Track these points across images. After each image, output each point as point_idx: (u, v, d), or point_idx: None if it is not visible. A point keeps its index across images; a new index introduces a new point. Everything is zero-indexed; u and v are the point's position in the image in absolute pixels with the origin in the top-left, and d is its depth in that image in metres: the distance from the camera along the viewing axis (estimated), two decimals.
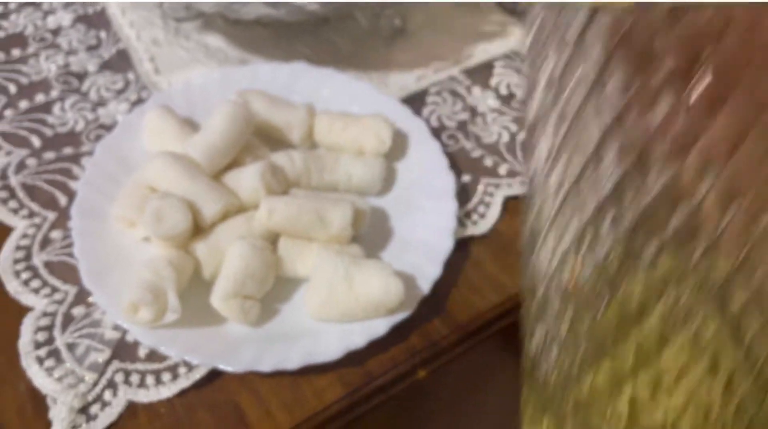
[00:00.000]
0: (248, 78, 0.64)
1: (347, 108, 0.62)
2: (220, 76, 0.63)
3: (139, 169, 0.57)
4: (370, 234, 0.56)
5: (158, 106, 0.59)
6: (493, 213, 0.59)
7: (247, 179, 0.54)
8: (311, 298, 0.50)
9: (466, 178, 0.62)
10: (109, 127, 0.63)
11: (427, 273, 0.52)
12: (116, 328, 0.51)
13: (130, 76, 0.68)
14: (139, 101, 0.66)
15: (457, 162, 0.62)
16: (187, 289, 0.51)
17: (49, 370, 0.49)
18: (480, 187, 0.61)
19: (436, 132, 0.64)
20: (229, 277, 0.49)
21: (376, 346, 0.50)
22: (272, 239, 0.53)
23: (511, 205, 0.60)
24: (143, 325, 0.48)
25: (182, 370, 0.49)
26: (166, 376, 0.49)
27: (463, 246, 0.57)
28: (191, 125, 0.61)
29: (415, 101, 0.67)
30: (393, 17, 0.72)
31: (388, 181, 0.59)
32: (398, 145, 0.60)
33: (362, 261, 0.51)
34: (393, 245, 0.56)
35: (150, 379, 0.49)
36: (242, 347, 0.49)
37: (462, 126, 0.66)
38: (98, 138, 0.63)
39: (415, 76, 0.70)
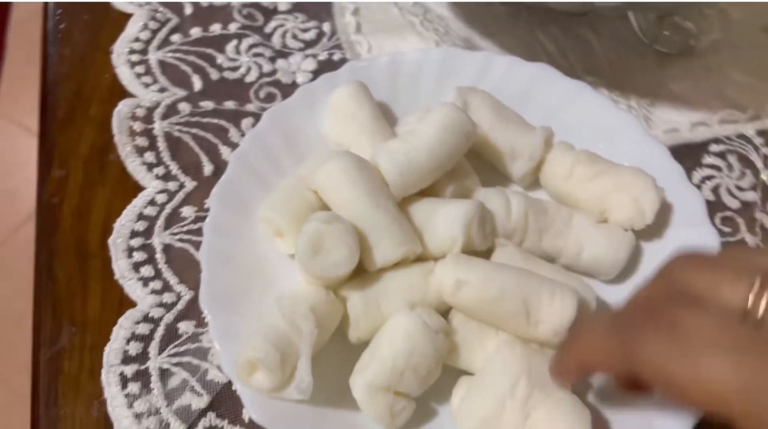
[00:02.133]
0: (474, 70, 0.47)
1: (591, 141, 0.44)
2: (439, 57, 0.47)
3: (307, 159, 0.43)
4: None
5: (353, 81, 0.44)
6: None
7: (444, 223, 0.38)
8: (469, 411, 0.34)
9: None
10: (284, 88, 0.50)
11: None
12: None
13: (325, 27, 0.54)
14: (329, 63, 0.51)
15: None
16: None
17: (130, 399, 0.37)
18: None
19: (710, 209, 0.45)
20: (385, 363, 0.34)
21: None
22: (445, 309, 0.38)
23: None
24: (255, 392, 0.35)
25: None
26: None
27: None
28: (388, 116, 0.46)
29: (685, 156, 0.48)
30: (683, 27, 0.52)
31: (628, 267, 0.41)
32: (656, 217, 0.42)
33: (560, 393, 0.34)
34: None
35: None
36: None
37: (747, 210, 0.46)
38: (269, 98, 0.49)
39: (691, 119, 0.50)
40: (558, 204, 0.42)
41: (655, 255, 0.42)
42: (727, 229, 0.45)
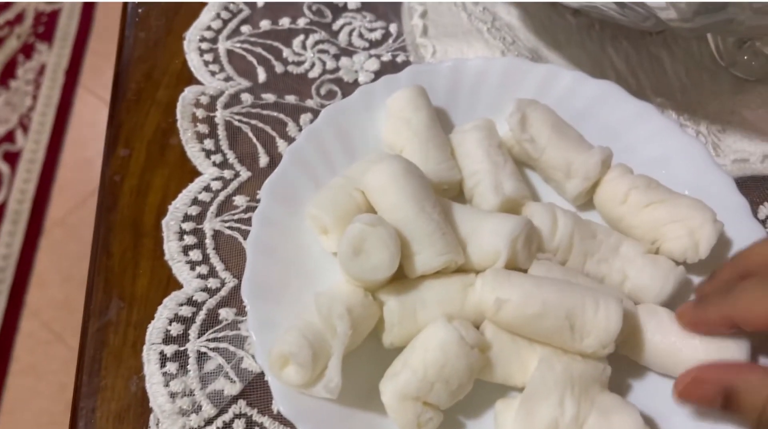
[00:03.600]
0: (537, 82, 0.46)
1: (652, 166, 0.43)
2: (502, 66, 0.47)
3: (360, 159, 0.43)
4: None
5: (412, 86, 0.44)
6: None
7: (490, 236, 0.37)
8: None
9: None
10: (346, 87, 0.50)
11: None
12: None
13: (392, 27, 0.54)
14: (392, 64, 0.51)
15: None
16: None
17: (167, 377, 0.38)
18: None
19: None
20: (417, 372, 0.34)
21: None
22: (482, 322, 0.38)
23: None
24: (286, 385, 0.35)
25: None
26: None
27: None
28: (446, 123, 0.46)
29: (753, 189, 0.46)
30: (763, 52, 0.50)
31: (676, 301, 0.40)
32: (714, 251, 0.40)
33: (602, 396, 0.34)
34: (654, 381, 0.38)
35: None
36: None
37: None
38: (329, 95, 0.50)
39: (764, 150, 0.48)
40: (609, 229, 0.41)
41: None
42: None
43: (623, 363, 0.38)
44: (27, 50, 1.68)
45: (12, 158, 1.52)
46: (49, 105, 1.62)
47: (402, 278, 0.38)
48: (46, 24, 1.73)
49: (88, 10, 1.75)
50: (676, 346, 0.36)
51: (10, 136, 1.55)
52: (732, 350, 0.35)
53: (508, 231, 0.37)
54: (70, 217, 1.43)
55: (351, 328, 0.35)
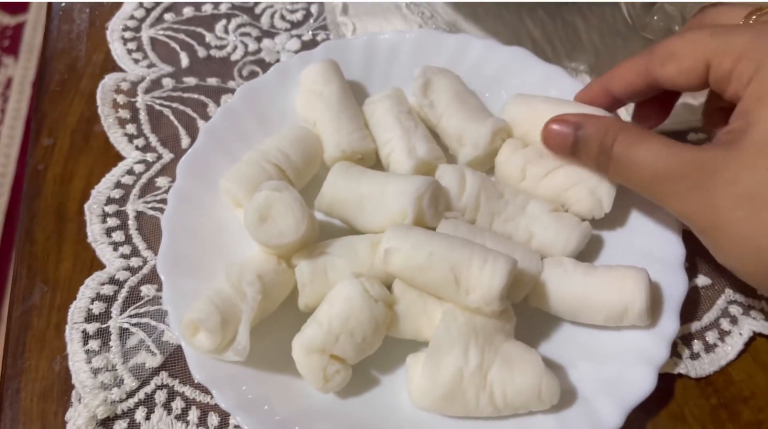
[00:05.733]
0: (450, 52, 0.47)
1: None
2: (415, 38, 0.48)
3: (275, 131, 0.44)
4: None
5: (323, 60, 0.45)
6: (728, 349, 0.39)
7: (395, 197, 0.38)
8: (421, 382, 0.35)
9: (702, 280, 0.42)
10: (267, 67, 0.51)
11: (604, 416, 0.35)
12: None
13: (313, 8, 0.54)
14: (313, 43, 0.52)
15: (695, 254, 0.42)
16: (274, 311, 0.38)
17: (90, 355, 0.39)
18: (720, 302, 0.41)
19: None
20: (322, 325, 0.35)
21: None
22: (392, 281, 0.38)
23: (763, 345, 0.40)
24: (197, 351, 0.36)
25: (234, 421, 0.37)
26: (213, 419, 0.38)
27: (666, 384, 0.38)
28: (361, 95, 0.47)
29: None
30: (670, 13, 0.51)
31: (589, 255, 0.41)
32: (619, 203, 0.41)
33: (506, 345, 0.35)
34: (559, 334, 0.39)
35: (194, 414, 0.38)
36: (313, 421, 0.35)
37: None
38: (252, 76, 0.51)
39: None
40: (517, 190, 0.42)
41: (614, 240, 0.42)
42: None
43: (537, 314, 0.39)
44: None
45: None
46: (17, 118, 1.61)
47: (315, 242, 0.39)
48: (11, 37, 1.72)
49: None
50: (580, 291, 0.37)
51: None
52: (631, 288, 0.36)
53: (413, 190, 0.38)
54: None
55: (260, 293, 0.36)
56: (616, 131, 0.37)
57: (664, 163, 0.34)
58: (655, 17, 0.52)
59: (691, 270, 0.42)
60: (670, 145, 0.35)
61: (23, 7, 1.75)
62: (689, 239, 0.38)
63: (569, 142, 0.39)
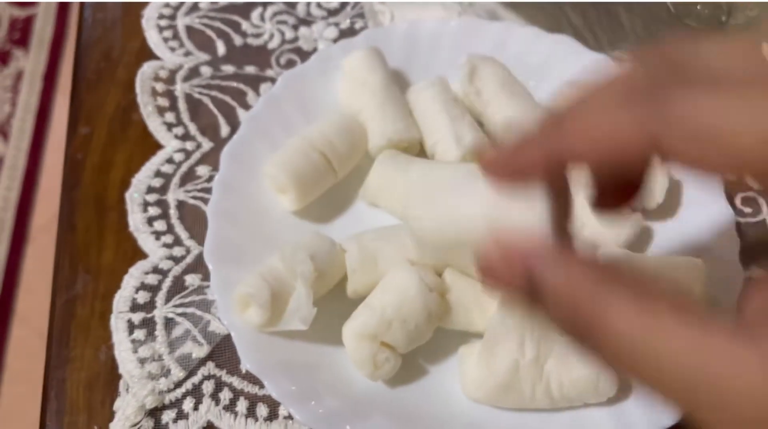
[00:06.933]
0: (493, 41, 0.47)
1: None
2: (457, 26, 0.47)
3: (318, 119, 0.43)
4: None
5: (366, 48, 0.44)
6: None
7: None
8: (477, 373, 0.35)
9: (757, 272, 0.41)
10: (305, 55, 0.50)
11: (661, 409, 0.34)
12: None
13: None
14: (351, 31, 0.52)
15: (752, 245, 0.41)
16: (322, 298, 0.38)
17: (136, 344, 0.39)
18: None
19: (730, 189, 0.43)
20: (375, 311, 0.35)
21: None
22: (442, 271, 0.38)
23: None
24: (249, 326, 0.35)
25: (284, 411, 0.37)
26: (261, 409, 0.37)
27: None
28: (403, 83, 0.46)
29: None
30: (716, 1, 0.50)
31: (638, 247, 0.40)
32: (670, 196, 0.40)
33: (561, 337, 0.35)
34: None
35: (242, 405, 0.37)
36: (364, 411, 0.35)
37: None
38: (290, 64, 0.50)
39: None
40: None
41: (668, 234, 0.41)
42: (748, 210, 0.44)
43: None
44: (4, 57, 1.67)
45: None
46: (28, 111, 1.61)
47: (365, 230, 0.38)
48: (22, 30, 1.72)
49: (62, 14, 1.74)
50: None
51: None
52: (687, 279, 0.36)
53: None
54: (55, 223, 1.42)
55: (315, 270, 0.35)
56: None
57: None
58: (698, 6, 0.51)
59: (744, 262, 0.41)
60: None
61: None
62: (743, 231, 0.38)
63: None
